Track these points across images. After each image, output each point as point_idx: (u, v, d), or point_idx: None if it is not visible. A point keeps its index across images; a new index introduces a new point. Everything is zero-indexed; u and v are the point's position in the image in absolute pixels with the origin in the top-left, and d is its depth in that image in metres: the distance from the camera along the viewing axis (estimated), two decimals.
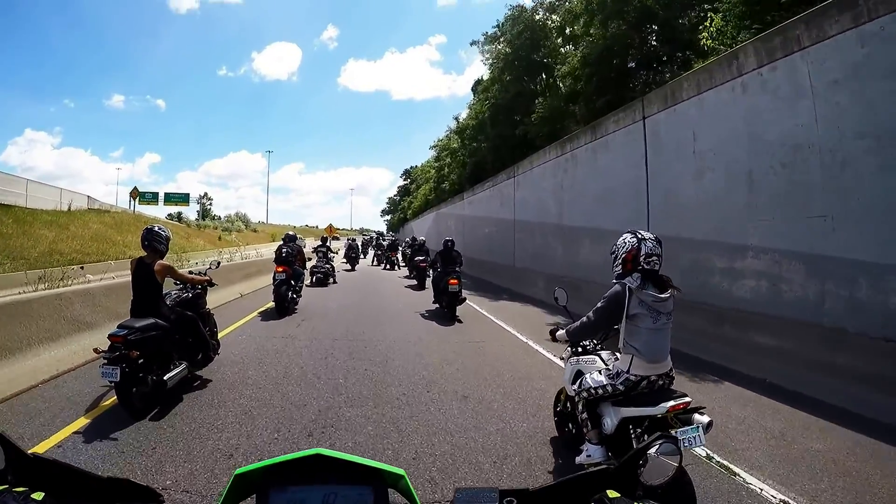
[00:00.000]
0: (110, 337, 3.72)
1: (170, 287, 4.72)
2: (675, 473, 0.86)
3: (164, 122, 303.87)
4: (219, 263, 6.83)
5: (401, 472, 0.75)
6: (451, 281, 8.60)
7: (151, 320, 4.00)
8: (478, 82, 25.41)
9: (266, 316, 8.52)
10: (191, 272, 5.28)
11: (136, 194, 32.42)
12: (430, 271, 10.66)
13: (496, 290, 14.01)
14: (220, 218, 51.93)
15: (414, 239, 22.37)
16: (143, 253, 4.28)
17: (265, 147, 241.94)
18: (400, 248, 22.95)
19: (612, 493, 0.79)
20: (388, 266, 21.87)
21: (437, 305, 9.55)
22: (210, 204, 66.49)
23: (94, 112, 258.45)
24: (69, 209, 24.83)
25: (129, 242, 22.36)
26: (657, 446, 0.86)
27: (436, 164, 36.69)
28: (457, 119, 28.50)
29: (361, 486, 0.77)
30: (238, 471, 0.72)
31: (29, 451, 0.75)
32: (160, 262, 4.20)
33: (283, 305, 8.56)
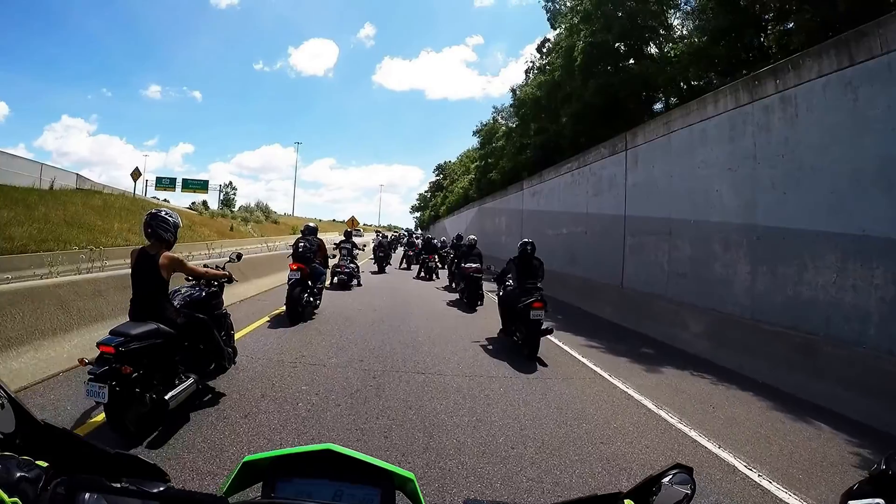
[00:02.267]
0: (99, 346, 2.87)
1: (181, 282, 4.11)
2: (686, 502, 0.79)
3: (200, 114, 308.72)
4: (240, 255, 5.61)
5: (410, 475, 0.74)
6: (536, 304, 5.95)
7: (153, 325, 3.17)
8: (543, 41, 20.25)
9: (276, 323, 6.93)
10: (206, 265, 4.54)
11: (137, 175, 28.05)
12: (499, 287, 7.35)
13: (592, 323, 8.88)
14: (241, 207, 48.26)
15: (459, 237, 17.22)
16: (142, 243, 3.58)
17: (297, 141, 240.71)
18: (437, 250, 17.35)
19: None
20: (424, 274, 15.76)
21: (502, 334, 6.99)
22: (234, 193, 63.53)
23: (131, 101, 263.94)
24: (51, 188, 20.98)
25: (109, 230, 18.32)
26: (671, 476, 0.78)
27: (480, 152, 31.35)
28: (514, 90, 22.03)
29: (370, 486, 0.75)
30: (246, 458, 0.72)
31: (39, 419, 0.71)
32: (167, 253, 3.38)
33: (297, 310, 7.07)
